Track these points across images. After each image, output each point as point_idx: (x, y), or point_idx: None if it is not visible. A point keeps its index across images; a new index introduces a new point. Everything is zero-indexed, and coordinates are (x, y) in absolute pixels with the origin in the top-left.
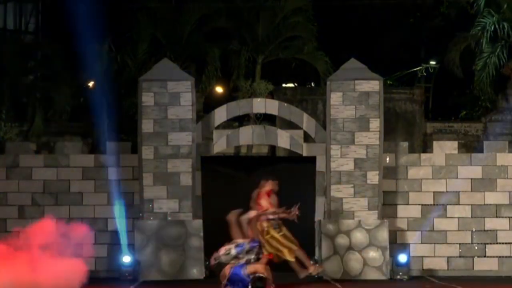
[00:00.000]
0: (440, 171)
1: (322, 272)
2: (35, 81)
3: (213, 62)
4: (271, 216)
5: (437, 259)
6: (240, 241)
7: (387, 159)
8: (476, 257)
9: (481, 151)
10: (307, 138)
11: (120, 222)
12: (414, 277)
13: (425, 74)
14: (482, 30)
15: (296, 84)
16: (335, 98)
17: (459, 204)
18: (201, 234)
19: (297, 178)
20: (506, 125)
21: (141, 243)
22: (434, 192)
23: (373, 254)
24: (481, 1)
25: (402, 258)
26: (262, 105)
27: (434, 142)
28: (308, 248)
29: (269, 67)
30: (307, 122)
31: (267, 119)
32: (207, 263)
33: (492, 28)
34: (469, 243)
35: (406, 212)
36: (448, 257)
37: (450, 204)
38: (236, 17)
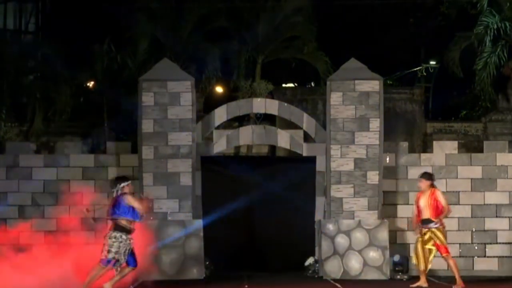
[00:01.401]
0: (440, 171)
1: None
2: (35, 81)
3: (213, 62)
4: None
5: (437, 259)
6: None
7: (387, 159)
8: (476, 257)
9: (481, 151)
10: (307, 138)
11: None
12: (414, 277)
13: (425, 74)
14: (485, 29)
15: (296, 84)
16: (335, 98)
17: (459, 204)
18: (201, 234)
19: (297, 178)
20: (506, 125)
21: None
22: None
23: (373, 254)
24: (484, 1)
25: (396, 257)
26: (262, 105)
27: (434, 142)
28: (308, 248)
29: (269, 67)
30: (307, 122)
31: (267, 119)
32: (207, 262)
33: (495, 27)
34: (469, 243)
35: (406, 212)
36: None
37: (450, 204)
38: (236, 17)
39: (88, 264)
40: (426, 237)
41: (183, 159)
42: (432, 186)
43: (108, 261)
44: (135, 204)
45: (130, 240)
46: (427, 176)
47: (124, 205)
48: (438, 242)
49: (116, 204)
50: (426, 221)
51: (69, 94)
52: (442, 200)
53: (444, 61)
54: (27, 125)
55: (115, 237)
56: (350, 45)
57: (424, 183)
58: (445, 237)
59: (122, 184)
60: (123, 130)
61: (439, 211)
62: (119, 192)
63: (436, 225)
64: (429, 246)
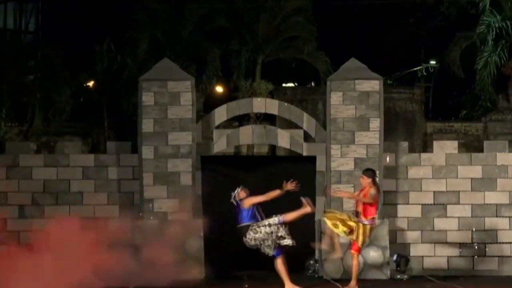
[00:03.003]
0: (440, 171)
1: None
2: (35, 81)
3: (213, 62)
4: None
5: (437, 259)
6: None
7: (387, 159)
8: (476, 257)
9: (481, 151)
10: (307, 138)
11: None
12: (414, 277)
13: (425, 74)
14: (487, 28)
15: (296, 84)
16: (335, 98)
17: (459, 204)
18: (201, 234)
19: (297, 178)
20: (506, 125)
21: (141, 243)
22: (434, 191)
23: (373, 254)
24: (486, 1)
25: (393, 257)
26: (262, 105)
27: (434, 142)
28: (308, 248)
29: (269, 67)
30: (307, 122)
31: (267, 119)
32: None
33: (497, 26)
34: (469, 243)
35: (406, 212)
36: (448, 257)
37: (450, 204)
38: (236, 17)
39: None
40: (349, 223)
41: (183, 159)
42: (374, 183)
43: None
44: (255, 200)
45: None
46: (369, 173)
47: (244, 210)
48: (354, 237)
49: (238, 212)
50: (357, 213)
51: (69, 94)
52: (370, 194)
53: (444, 61)
54: (27, 125)
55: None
56: (350, 45)
57: (365, 180)
58: (366, 236)
59: (233, 193)
60: (123, 130)
61: (367, 209)
62: (237, 200)
63: (365, 222)
64: (340, 229)
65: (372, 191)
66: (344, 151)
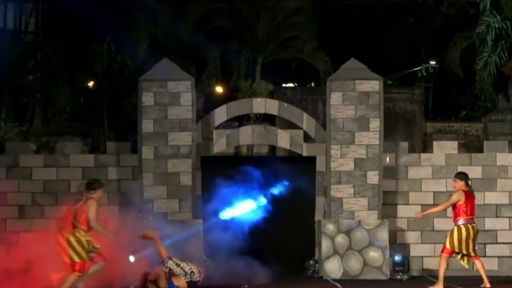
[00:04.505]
0: (440, 171)
1: None
2: (35, 81)
3: (213, 62)
4: None
5: (437, 259)
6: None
7: (387, 159)
8: None
9: (481, 151)
10: (307, 138)
11: None
12: (414, 277)
13: (425, 74)
14: (487, 28)
15: (296, 84)
16: (335, 98)
17: None
18: (201, 234)
19: (297, 178)
20: (506, 125)
21: (141, 243)
22: (434, 192)
23: (373, 254)
24: (486, 1)
25: (397, 257)
26: (262, 105)
27: (434, 142)
28: (308, 248)
29: (269, 67)
30: (307, 122)
31: (267, 119)
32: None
33: (496, 26)
34: None
35: (406, 212)
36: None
37: None
38: (236, 17)
39: None
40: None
41: (183, 159)
42: (466, 186)
43: None
44: None
45: None
46: (460, 176)
47: None
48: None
49: None
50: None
51: (69, 94)
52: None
53: (444, 61)
54: (27, 125)
55: None
56: (350, 45)
57: (457, 183)
58: (456, 239)
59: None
60: (123, 130)
61: (454, 212)
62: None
63: (457, 223)
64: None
65: (454, 195)
66: (344, 152)
